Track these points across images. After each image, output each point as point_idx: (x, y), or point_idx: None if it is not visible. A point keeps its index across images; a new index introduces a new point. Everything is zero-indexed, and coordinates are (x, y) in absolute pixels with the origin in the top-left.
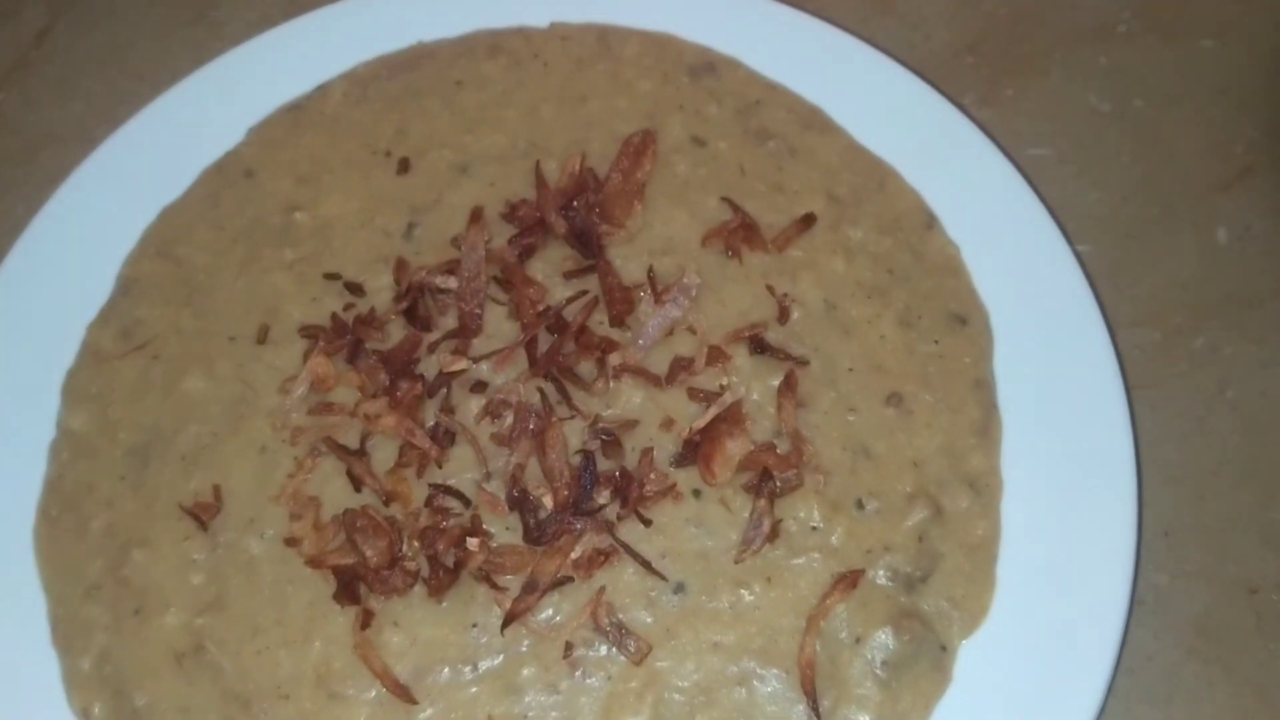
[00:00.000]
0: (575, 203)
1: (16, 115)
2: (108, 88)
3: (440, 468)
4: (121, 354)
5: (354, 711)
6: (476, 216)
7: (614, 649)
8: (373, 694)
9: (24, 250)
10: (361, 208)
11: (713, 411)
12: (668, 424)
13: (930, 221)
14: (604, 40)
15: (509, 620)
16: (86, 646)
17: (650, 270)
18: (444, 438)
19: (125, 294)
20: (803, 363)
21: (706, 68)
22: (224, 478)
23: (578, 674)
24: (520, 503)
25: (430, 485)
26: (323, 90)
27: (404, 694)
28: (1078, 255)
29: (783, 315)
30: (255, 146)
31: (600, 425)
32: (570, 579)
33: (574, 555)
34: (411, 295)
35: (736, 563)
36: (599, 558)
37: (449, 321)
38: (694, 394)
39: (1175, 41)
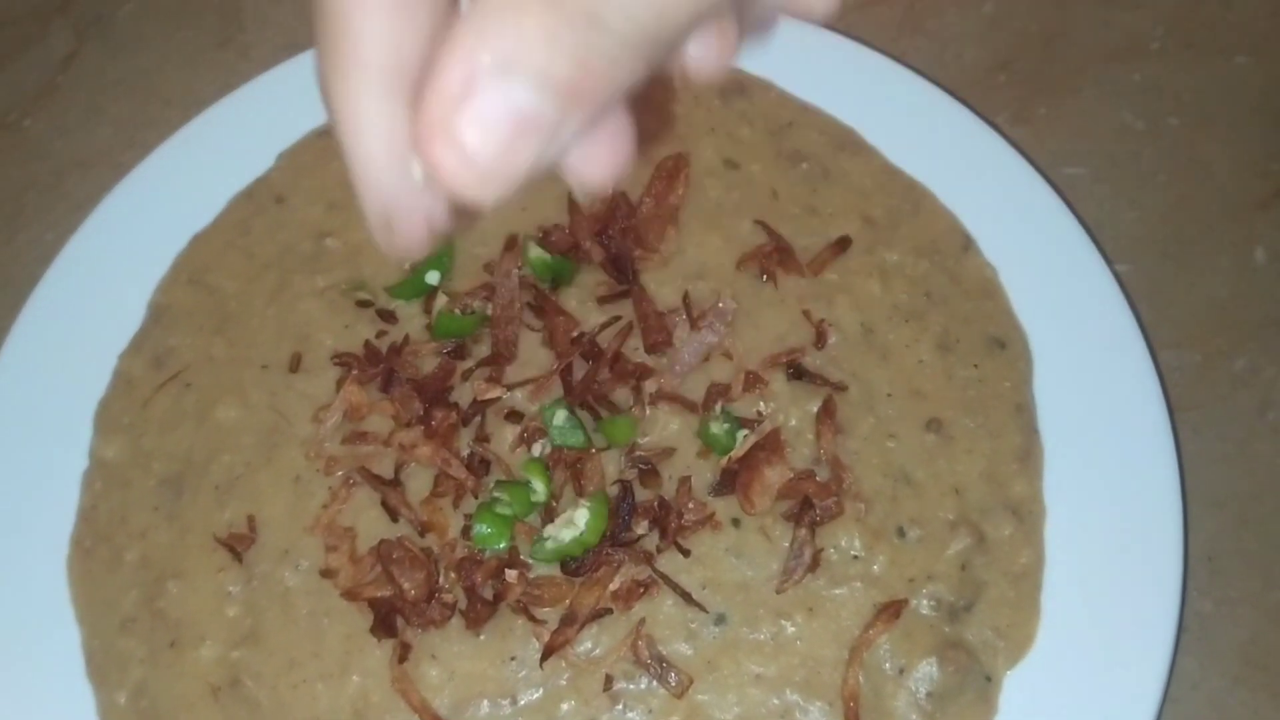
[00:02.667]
0: (609, 228)
1: (44, 141)
2: (135, 113)
3: (476, 497)
4: (154, 386)
5: None
6: (511, 244)
7: (654, 682)
8: None
9: (55, 279)
10: None
11: (751, 439)
12: (705, 451)
13: (967, 243)
14: None
15: (548, 653)
16: (122, 680)
17: (685, 295)
18: (479, 467)
19: (157, 322)
20: (841, 388)
21: (738, 89)
22: (258, 508)
23: (618, 707)
24: None
25: (466, 515)
26: None
27: None
28: (1116, 276)
29: (819, 340)
30: (285, 172)
31: (637, 453)
32: (609, 611)
33: (613, 587)
34: None
35: (778, 593)
36: (638, 589)
37: (482, 349)
38: None
39: (1209, 58)
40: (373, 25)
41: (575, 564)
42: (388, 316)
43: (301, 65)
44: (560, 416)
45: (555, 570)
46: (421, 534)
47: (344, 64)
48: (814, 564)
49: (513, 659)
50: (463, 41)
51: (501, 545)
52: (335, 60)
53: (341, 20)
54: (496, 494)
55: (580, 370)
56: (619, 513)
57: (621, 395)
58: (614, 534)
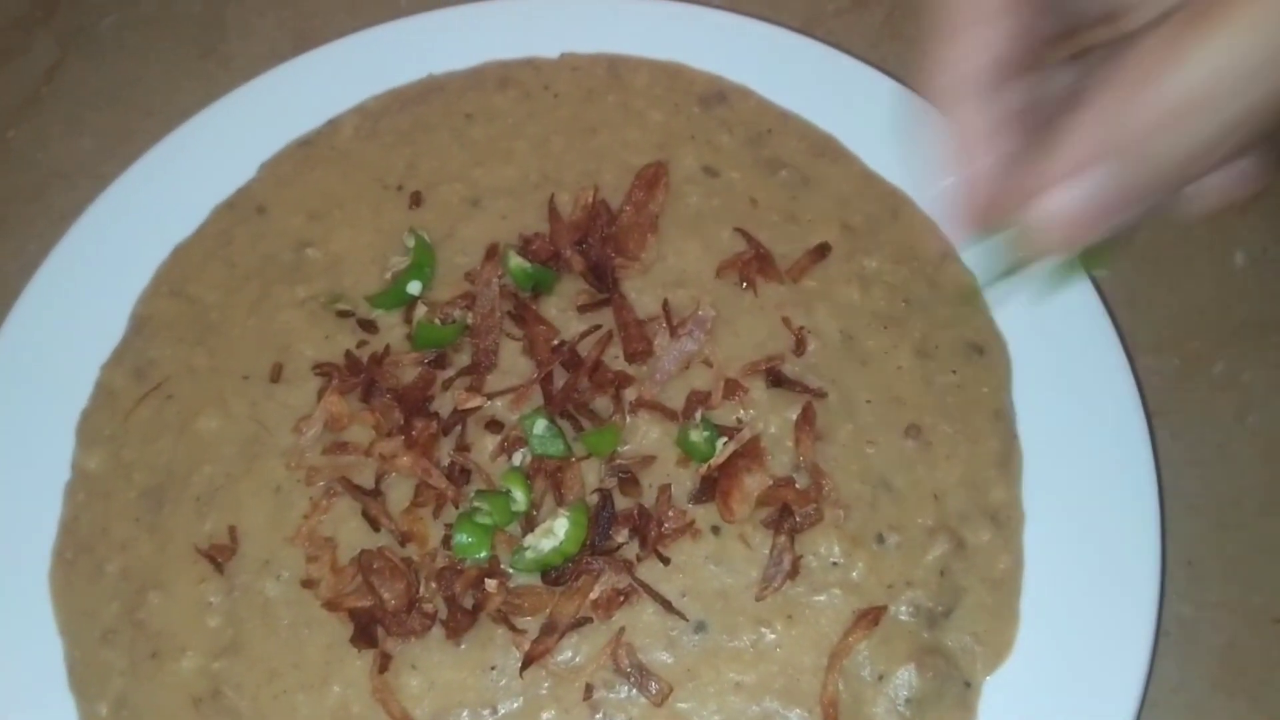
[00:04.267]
0: (589, 236)
1: (26, 152)
2: (118, 124)
3: (456, 507)
4: (136, 398)
5: None
6: (492, 253)
7: (635, 690)
8: None
9: (37, 290)
10: (373, 242)
11: (731, 446)
12: (685, 459)
13: (945, 250)
14: (614, 71)
15: (528, 662)
16: (103, 691)
17: (665, 303)
18: (459, 476)
19: (138, 333)
20: (820, 395)
21: (717, 97)
22: (239, 519)
23: (598, 716)
24: None
25: (447, 525)
26: (333, 125)
27: None
28: (1093, 280)
29: (799, 347)
30: (266, 183)
31: (617, 462)
32: (589, 620)
33: (593, 596)
34: None
35: (757, 600)
36: (618, 598)
37: (463, 358)
38: None
39: None
40: (982, 33)
41: (555, 573)
42: (368, 326)
43: (283, 75)
44: (540, 425)
45: (535, 579)
46: (402, 544)
47: (952, 61)
48: (793, 571)
49: (493, 668)
50: (1077, 131)
51: (482, 555)
52: (945, 59)
53: (957, 26)
54: (477, 503)
55: (560, 379)
56: (599, 521)
57: (602, 404)
58: (594, 543)
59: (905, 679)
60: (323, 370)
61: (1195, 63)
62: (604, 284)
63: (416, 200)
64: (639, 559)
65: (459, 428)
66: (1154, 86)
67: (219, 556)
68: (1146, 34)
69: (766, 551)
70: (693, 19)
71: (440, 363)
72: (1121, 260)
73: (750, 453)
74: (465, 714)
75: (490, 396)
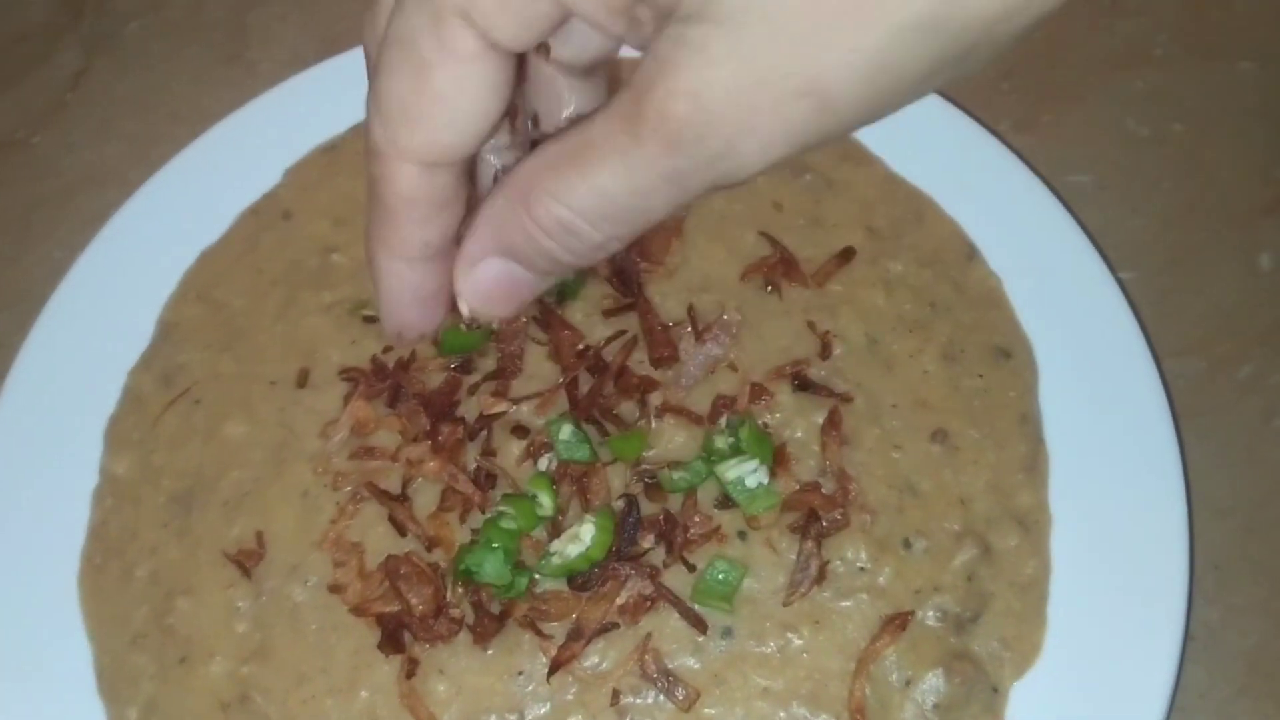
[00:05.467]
0: None
1: (53, 158)
2: (144, 129)
3: (483, 512)
4: (164, 403)
5: None
6: None
7: (662, 696)
8: None
9: (64, 296)
10: None
11: None
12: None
13: (970, 253)
14: None
15: (555, 668)
16: (133, 696)
17: (690, 308)
18: (486, 481)
19: (166, 339)
20: (846, 399)
21: None
22: (266, 524)
23: None
24: None
25: (473, 530)
26: (357, 131)
27: None
28: (1120, 283)
29: (825, 351)
30: (292, 188)
31: (643, 467)
32: (616, 625)
33: (619, 601)
34: None
35: (784, 606)
36: (645, 603)
37: (488, 363)
38: None
39: (1213, 64)
40: (416, 230)
41: (582, 578)
42: None
43: (307, 81)
44: (566, 430)
45: (562, 585)
46: (429, 549)
47: (389, 246)
48: (820, 576)
49: (520, 674)
50: (475, 231)
51: (500, 580)
52: (382, 241)
53: (392, 221)
54: (503, 508)
55: (586, 384)
56: (625, 527)
57: (627, 409)
58: (620, 548)
59: (933, 684)
60: (349, 375)
61: (574, 195)
62: (629, 289)
63: None
64: (665, 565)
65: (485, 433)
66: (537, 206)
67: (247, 561)
68: (540, 150)
69: (793, 557)
70: None
71: (466, 368)
72: (1147, 262)
73: (776, 457)
74: (493, 719)
75: (516, 401)
